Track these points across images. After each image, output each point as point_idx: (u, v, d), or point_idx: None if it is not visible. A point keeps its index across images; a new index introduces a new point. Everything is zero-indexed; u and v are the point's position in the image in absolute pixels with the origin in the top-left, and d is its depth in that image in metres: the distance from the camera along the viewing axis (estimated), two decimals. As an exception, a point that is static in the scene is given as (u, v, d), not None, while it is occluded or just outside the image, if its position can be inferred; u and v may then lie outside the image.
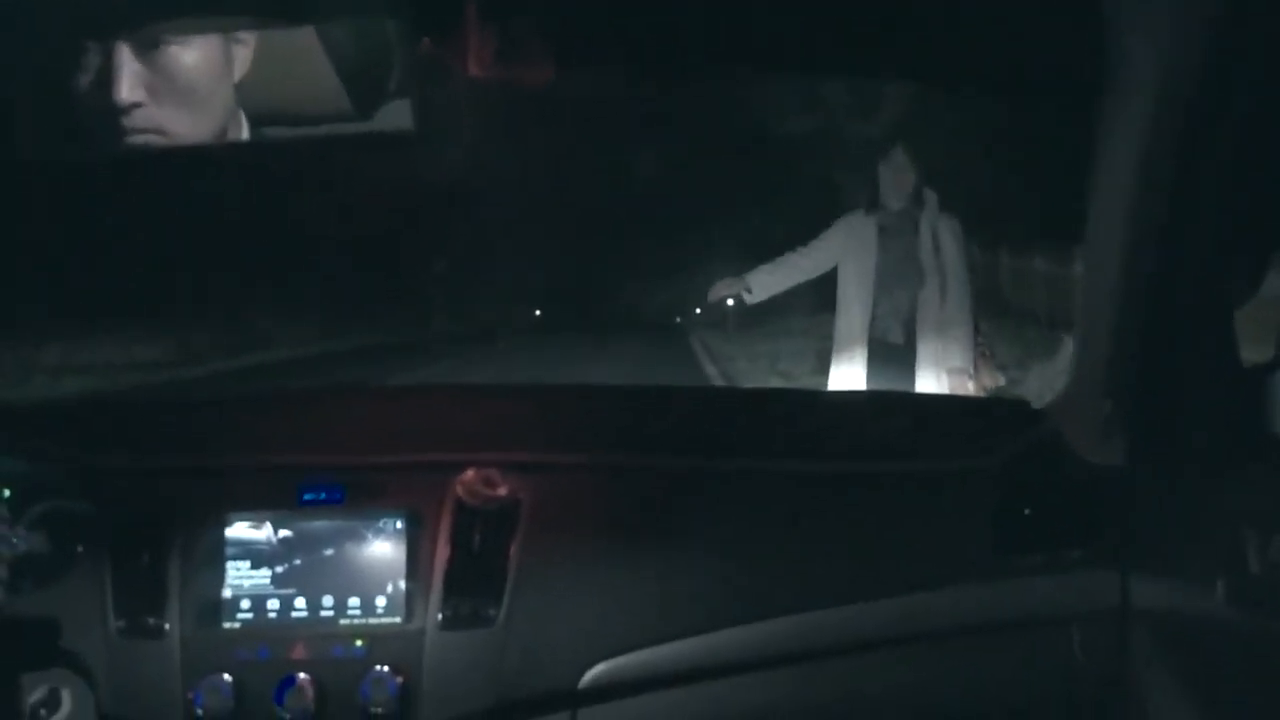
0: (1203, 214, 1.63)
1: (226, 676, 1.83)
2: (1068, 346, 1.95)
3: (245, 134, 1.89)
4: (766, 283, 5.39)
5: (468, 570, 1.90)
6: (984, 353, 5.17)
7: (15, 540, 1.65)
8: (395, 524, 1.93)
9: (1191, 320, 1.74)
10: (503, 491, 1.97)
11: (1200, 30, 1.44)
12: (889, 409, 2.85)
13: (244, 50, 1.83)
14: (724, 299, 5.66)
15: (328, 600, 1.90)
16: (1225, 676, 1.66)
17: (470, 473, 1.98)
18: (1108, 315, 1.76)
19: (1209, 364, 1.76)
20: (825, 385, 5.50)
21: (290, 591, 1.90)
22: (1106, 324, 1.77)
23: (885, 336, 5.11)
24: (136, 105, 1.85)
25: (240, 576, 1.91)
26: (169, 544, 1.92)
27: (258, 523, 1.93)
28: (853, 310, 5.18)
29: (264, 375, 19.54)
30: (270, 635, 1.88)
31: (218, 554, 1.92)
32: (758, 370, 17.79)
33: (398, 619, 1.89)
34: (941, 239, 5.04)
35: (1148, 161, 1.56)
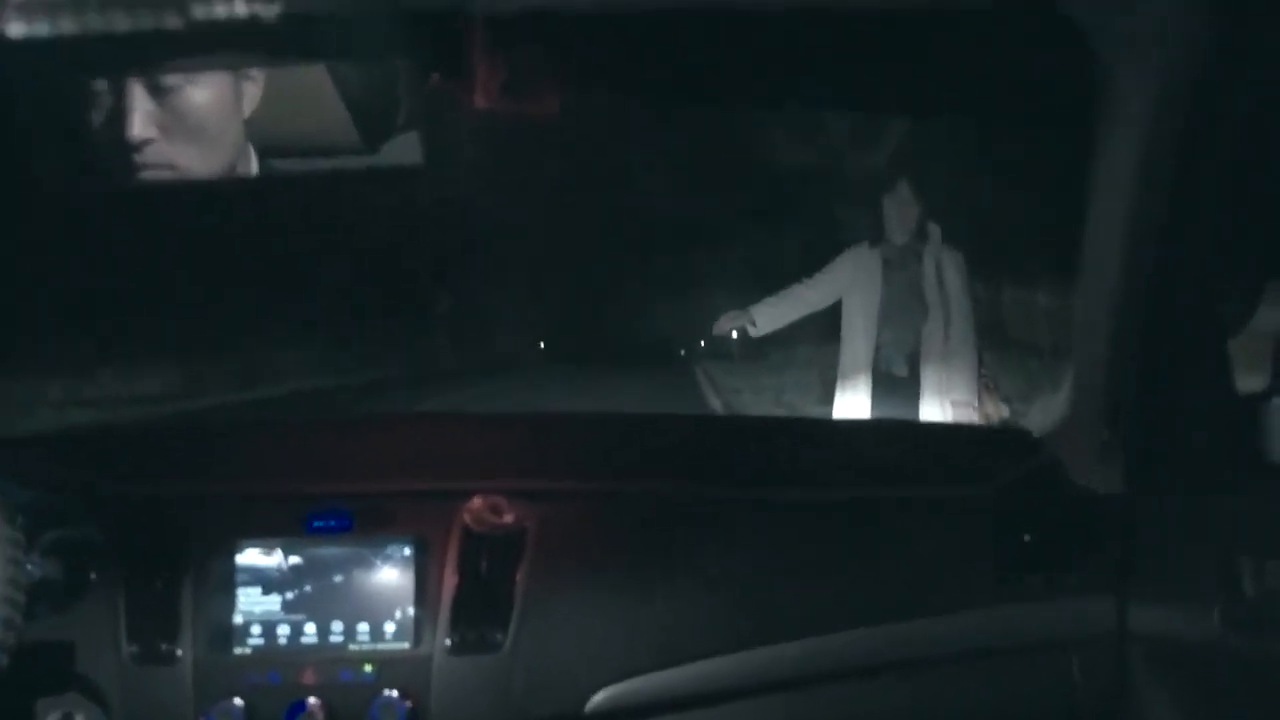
0: (1197, 242, 1.65)
1: (238, 701, 1.85)
2: (1069, 381, 1.96)
3: (254, 168, 1.92)
4: (771, 315, 5.41)
5: (475, 596, 1.92)
6: (987, 384, 5.19)
7: (30, 567, 1.67)
8: (403, 551, 1.95)
9: (1187, 349, 1.76)
10: (509, 519, 1.99)
11: (1192, 62, 1.46)
12: (889, 437, 2.87)
13: (254, 87, 1.86)
14: (729, 332, 5.67)
15: (337, 626, 1.92)
16: (1222, 699, 1.67)
17: (477, 500, 2.00)
18: (1104, 344, 1.78)
19: (1205, 392, 1.78)
20: (830, 417, 5.50)
21: (300, 617, 1.93)
22: (1103, 353, 1.79)
23: (890, 369, 5.12)
24: (148, 142, 1.88)
25: (251, 602, 1.93)
26: (181, 571, 1.94)
27: (268, 549, 1.96)
28: (857, 343, 5.20)
29: (268, 409, 19.50)
30: (281, 660, 1.90)
31: (229, 580, 1.94)
32: (762, 403, 17.76)
33: (406, 644, 1.91)
34: (945, 272, 5.06)
35: (1142, 188, 1.58)
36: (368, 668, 1.89)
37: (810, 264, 5.50)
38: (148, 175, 1.91)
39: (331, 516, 1.99)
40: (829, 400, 5.55)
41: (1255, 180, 1.66)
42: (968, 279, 5.17)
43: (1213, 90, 1.49)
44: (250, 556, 1.95)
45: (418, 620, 1.92)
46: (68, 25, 1.64)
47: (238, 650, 1.91)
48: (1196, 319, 1.75)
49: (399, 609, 1.92)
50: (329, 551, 1.96)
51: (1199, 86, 1.49)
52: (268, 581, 1.94)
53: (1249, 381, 1.78)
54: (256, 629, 1.92)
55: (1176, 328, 1.74)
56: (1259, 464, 1.69)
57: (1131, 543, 1.91)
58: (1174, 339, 1.75)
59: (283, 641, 1.92)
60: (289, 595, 1.94)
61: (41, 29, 1.64)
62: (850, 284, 5.25)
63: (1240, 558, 1.61)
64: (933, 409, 5.00)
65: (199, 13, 1.63)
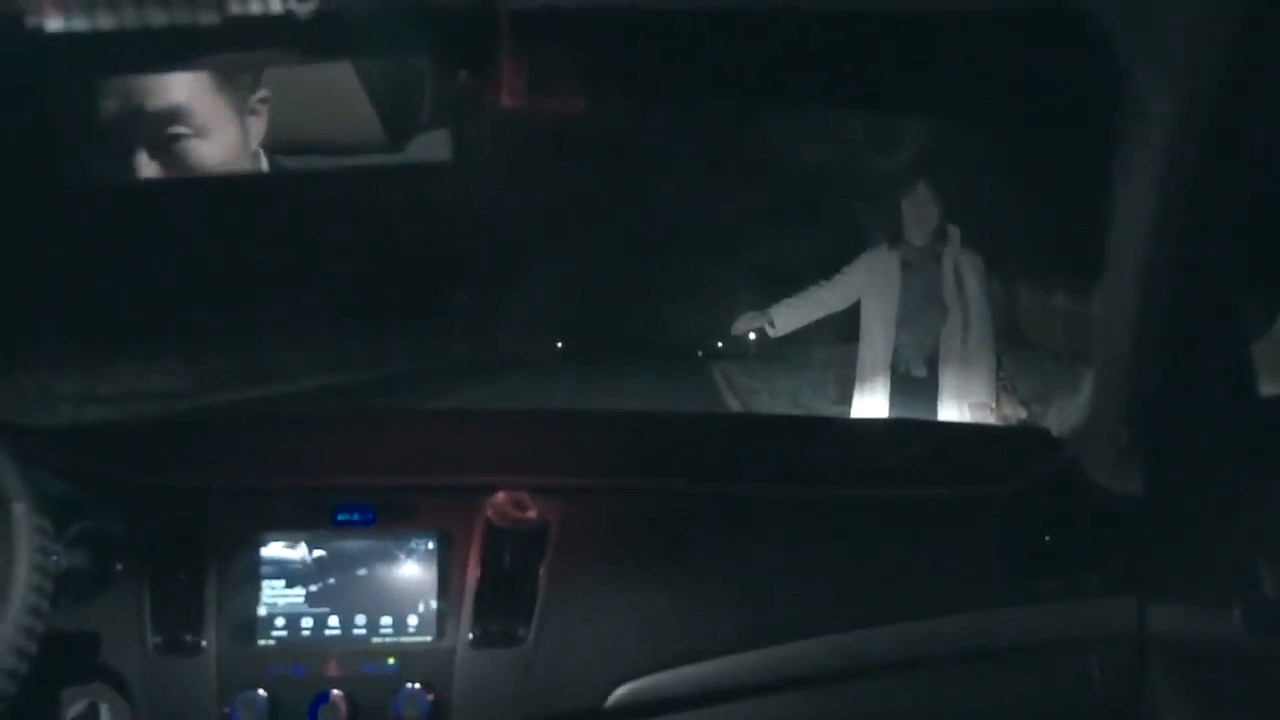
0: (1218, 244, 1.65)
1: (261, 692, 1.86)
2: (1088, 382, 1.97)
3: (271, 166, 1.93)
4: (790, 317, 5.41)
5: (498, 591, 1.93)
6: (1005, 386, 5.19)
7: (55, 557, 1.68)
8: (427, 545, 1.96)
9: (1208, 351, 1.77)
10: (532, 514, 2.00)
11: (1212, 68, 1.47)
12: (909, 436, 2.87)
13: (258, 123, 1.87)
14: (747, 333, 5.67)
15: (360, 619, 1.93)
16: (1241, 699, 1.68)
17: (500, 495, 2.02)
18: (1125, 346, 1.78)
19: (1224, 394, 1.78)
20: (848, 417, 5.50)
21: (324, 610, 1.94)
22: (1124, 354, 1.79)
23: (908, 370, 5.13)
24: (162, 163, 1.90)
25: (275, 595, 1.95)
26: (206, 562, 1.96)
27: (292, 542, 1.97)
28: (875, 344, 5.20)
29: (285, 405, 19.53)
30: (304, 652, 1.91)
31: (253, 573, 1.96)
32: (779, 403, 17.76)
33: (429, 637, 1.92)
34: (964, 274, 5.06)
35: (1163, 190, 1.58)
36: (391, 660, 1.90)
37: (829, 265, 5.50)
38: (162, 176, 1.93)
39: (355, 510, 2.00)
40: (846, 401, 5.55)
41: (1277, 181, 1.66)
42: (986, 281, 5.17)
43: (1234, 91, 1.49)
44: (274, 549, 1.97)
45: (441, 614, 1.93)
46: (97, 20, 1.65)
47: (261, 642, 1.92)
48: (1217, 321, 1.75)
49: (422, 602, 1.94)
50: (353, 544, 1.97)
51: (1220, 87, 1.49)
52: (292, 574, 1.96)
53: (1269, 384, 1.78)
54: (280, 621, 1.94)
55: (1197, 329, 1.74)
56: (1278, 466, 1.69)
57: (1151, 544, 1.91)
58: (1194, 341, 1.75)
59: (306, 634, 1.93)
60: (313, 588, 1.95)
61: (72, 24, 1.66)
62: (868, 286, 5.26)
63: (1260, 558, 1.61)
64: (950, 410, 5.01)
65: (226, 9, 1.65)
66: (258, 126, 1.87)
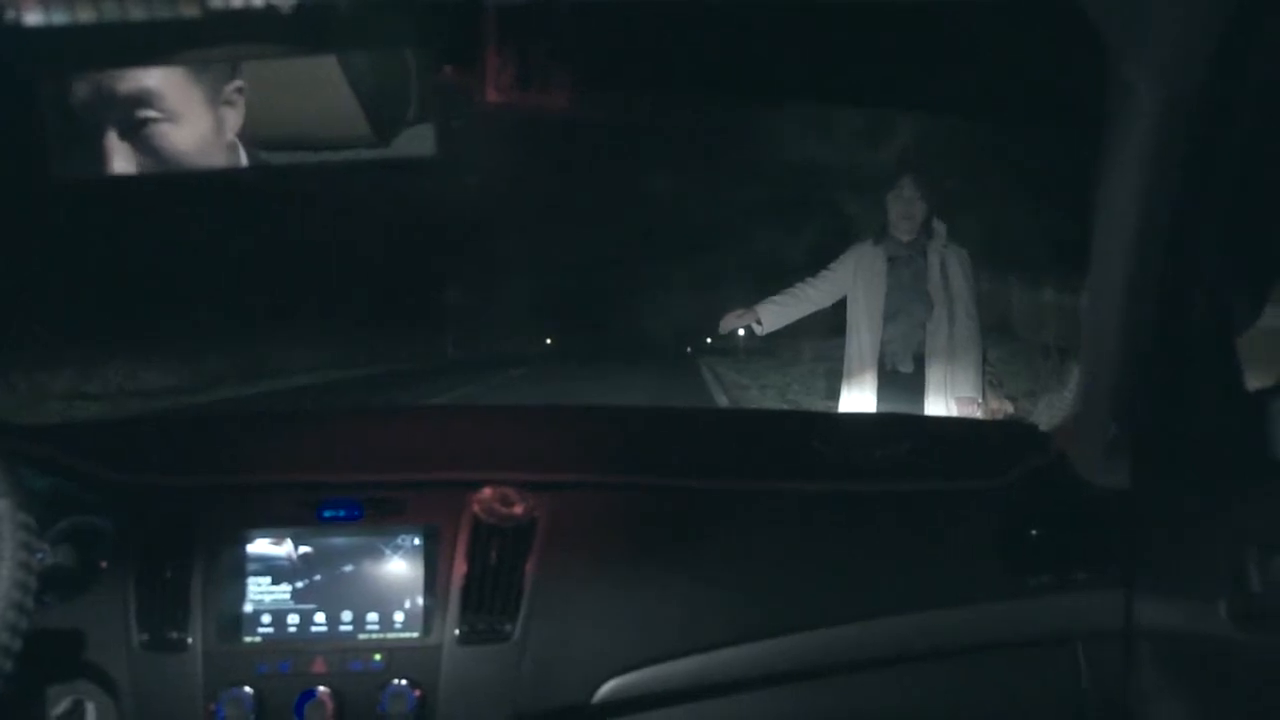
0: (1206, 238, 1.65)
1: (248, 689, 1.85)
2: (1075, 377, 1.97)
3: (252, 159, 1.92)
4: (776, 314, 5.41)
5: (484, 586, 1.92)
6: (992, 381, 5.20)
7: (40, 554, 1.67)
8: (413, 541, 1.96)
9: (1195, 345, 1.76)
10: (519, 509, 1.99)
11: (1200, 61, 1.47)
12: (899, 431, 2.87)
13: (233, 113, 1.86)
14: (734, 330, 5.67)
15: (347, 615, 1.93)
16: (1227, 693, 1.68)
17: (487, 491, 2.01)
18: (1112, 340, 1.78)
19: (1212, 388, 1.79)
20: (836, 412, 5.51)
21: (310, 606, 1.93)
22: (1111, 349, 1.79)
23: (894, 365, 5.14)
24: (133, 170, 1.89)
25: (261, 591, 1.94)
26: (191, 559, 1.95)
27: (278, 539, 1.96)
28: (862, 339, 5.21)
29: (273, 402, 19.53)
30: (290, 649, 1.90)
31: (239, 569, 1.95)
32: (768, 399, 17.82)
33: (415, 634, 1.91)
34: (950, 269, 5.07)
35: (1152, 184, 1.58)
36: (377, 657, 1.89)
37: (816, 261, 5.51)
38: (147, 173, 1.91)
39: (342, 506, 2.00)
40: (834, 397, 5.57)
41: (1265, 176, 1.67)
42: (973, 276, 5.18)
43: (1222, 83, 1.49)
44: (260, 545, 1.96)
45: (427, 610, 1.92)
46: (76, 14, 1.64)
47: (248, 639, 1.91)
48: (1204, 315, 1.75)
49: (409, 599, 1.93)
50: (339, 541, 1.96)
51: (1208, 79, 1.49)
52: (278, 571, 1.95)
53: (1257, 378, 1.78)
54: (266, 618, 1.93)
55: (1184, 323, 1.74)
56: (1265, 459, 1.69)
57: (1138, 538, 1.91)
58: (1182, 335, 1.75)
59: (292, 630, 1.92)
60: (299, 584, 1.94)
61: (51, 17, 1.65)
62: (854, 281, 5.26)
63: (1246, 552, 1.61)
64: (937, 405, 5.02)
65: (207, 2, 1.64)
66: (233, 116, 1.86)
